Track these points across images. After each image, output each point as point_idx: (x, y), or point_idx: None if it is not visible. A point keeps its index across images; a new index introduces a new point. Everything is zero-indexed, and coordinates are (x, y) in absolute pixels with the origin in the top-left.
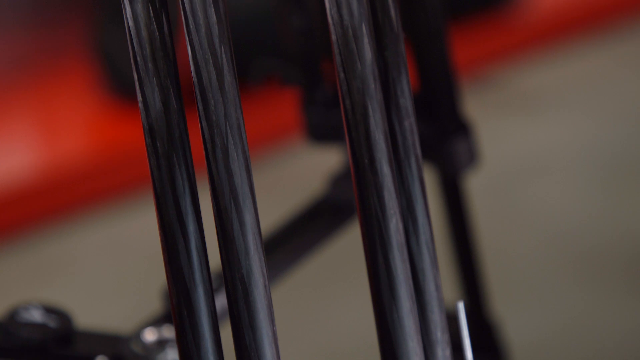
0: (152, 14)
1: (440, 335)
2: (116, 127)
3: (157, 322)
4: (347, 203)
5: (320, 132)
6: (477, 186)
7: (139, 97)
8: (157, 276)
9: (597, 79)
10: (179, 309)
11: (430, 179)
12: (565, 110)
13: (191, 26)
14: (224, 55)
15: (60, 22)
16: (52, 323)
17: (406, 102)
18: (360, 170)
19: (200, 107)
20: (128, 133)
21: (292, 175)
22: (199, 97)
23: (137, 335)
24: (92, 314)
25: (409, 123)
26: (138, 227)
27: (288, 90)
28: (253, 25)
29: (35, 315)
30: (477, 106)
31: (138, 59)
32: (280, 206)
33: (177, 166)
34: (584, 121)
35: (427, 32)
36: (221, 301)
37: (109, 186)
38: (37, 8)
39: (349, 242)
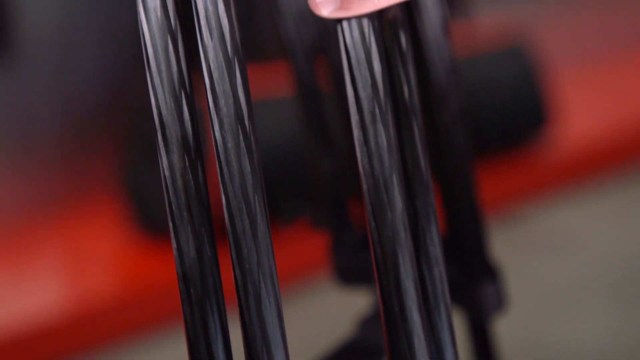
0: (187, 163)
1: None
2: (144, 263)
3: None
4: (376, 346)
5: (349, 275)
6: (503, 323)
7: (174, 245)
8: None
9: (623, 217)
10: None
11: (458, 320)
12: (591, 247)
13: (226, 176)
14: (257, 205)
15: (89, 158)
16: None
17: (436, 251)
18: (390, 317)
19: (234, 255)
20: (156, 269)
21: (320, 313)
22: (232, 245)
23: None
24: None
25: (439, 271)
26: None
27: (317, 232)
28: (283, 168)
29: None
30: (502, 243)
31: (173, 207)
32: (308, 345)
33: (210, 313)
34: (609, 258)
35: (455, 177)
36: None
37: (136, 322)
38: (66, 144)
39: None
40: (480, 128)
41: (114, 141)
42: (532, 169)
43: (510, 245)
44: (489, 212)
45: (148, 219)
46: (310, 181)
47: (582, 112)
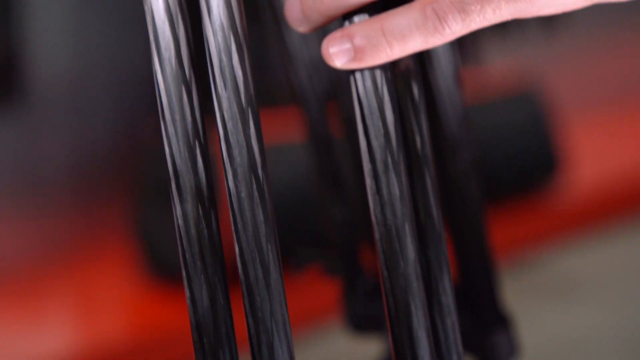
0: (201, 213)
1: None
2: (155, 309)
3: None
4: None
5: (361, 322)
6: None
7: (187, 294)
8: None
9: (635, 263)
10: None
11: None
12: (604, 293)
13: (239, 225)
14: (270, 254)
15: (100, 203)
16: None
17: (448, 300)
18: None
19: (247, 304)
20: (168, 315)
21: (331, 359)
22: (245, 294)
23: None
24: None
25: (451, 321)
26: None
27: (329, 279)
28: (294, 213)
29: None
30: (514, 289)
31: (187, 256)
32: None
33: None
34: (623, 305)
35: (467, 226)
36: None
37: None
38: (77, 189)
39: None
40: (491, 174)
41: (126, 187)
42: (544, 215)
43: (522, 291)
44: (500, 258)
45: (160, 264)
46: (322, 228)
47: (593, 158)
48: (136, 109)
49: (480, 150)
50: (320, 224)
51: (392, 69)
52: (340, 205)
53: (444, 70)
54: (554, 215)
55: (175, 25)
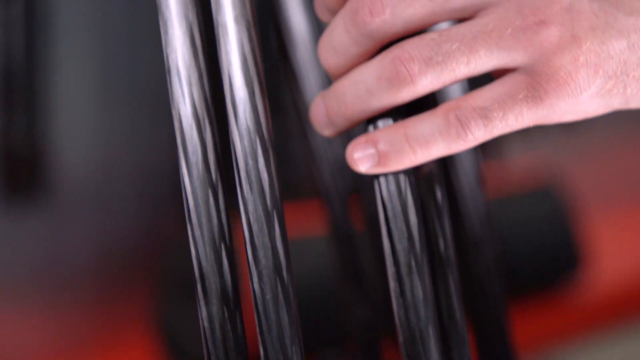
0: (226, 315)
1: None
2: None
3: None
4: None
5: None
6: None
7: None
8: None
9: None
10: None
11: None
12: None
13: (264, 327)
14: (294, 356)
15: (122, 297)
16: None
17: None
18: None
19: None
20: None
21: None
22: None
23: None
24: None
25: None
26: None
27: None
28: (317, 310)
29: None
30: None
31: (212, 358)
32: None
33: None
34: None
35: (490, 324)
36: None
37: None
38: (99, 283)
39: None
40: (513, 269)
41: (148, 281)
42: (567, 312)
43: None
44: (523, 356)
45: (181, 359)
46: (345, 325)
47: (615, 255)
48: (160, 204)
49: (501, 246)
50: (343, 322)
51: (415, 172)
52: (363, 302)
53: (466, 170)
54: (577, 311)
55: (203, 130)
